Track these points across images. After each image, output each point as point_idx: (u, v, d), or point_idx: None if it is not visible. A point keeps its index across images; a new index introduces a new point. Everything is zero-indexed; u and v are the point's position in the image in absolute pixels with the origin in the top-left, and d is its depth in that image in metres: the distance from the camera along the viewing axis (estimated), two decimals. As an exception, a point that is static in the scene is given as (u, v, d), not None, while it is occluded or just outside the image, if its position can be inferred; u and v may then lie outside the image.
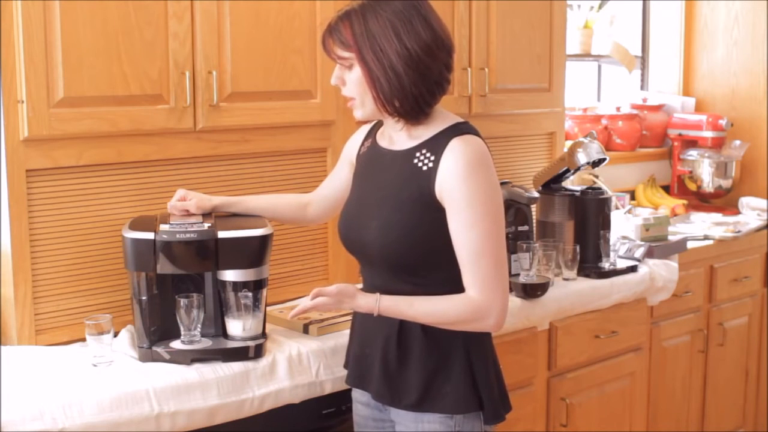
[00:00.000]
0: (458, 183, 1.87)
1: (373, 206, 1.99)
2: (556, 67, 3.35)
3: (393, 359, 1.98)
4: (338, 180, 2.25)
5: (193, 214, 2.20)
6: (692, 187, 4.34)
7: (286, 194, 2.47)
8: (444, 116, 1.99)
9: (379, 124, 2.11)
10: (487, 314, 1.89)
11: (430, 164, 1.92)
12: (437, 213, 1.91)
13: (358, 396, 2.14)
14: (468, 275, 1.89)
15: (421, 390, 1.95)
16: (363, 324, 2.07)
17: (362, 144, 2.15)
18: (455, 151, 1.89)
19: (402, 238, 1.92)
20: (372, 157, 2.08)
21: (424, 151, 1.94)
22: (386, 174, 2.00)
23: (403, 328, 1.97)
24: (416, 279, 1.94)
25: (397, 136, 2.01)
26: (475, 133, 1.96)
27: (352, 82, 1.95)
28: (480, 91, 3.06)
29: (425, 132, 1.97)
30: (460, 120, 1.99)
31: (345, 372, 2.17)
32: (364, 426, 2.13)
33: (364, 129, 2.19)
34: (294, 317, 2.01)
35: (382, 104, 1.93)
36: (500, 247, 1.91)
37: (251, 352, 2.15)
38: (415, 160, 1.95)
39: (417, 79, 1.90)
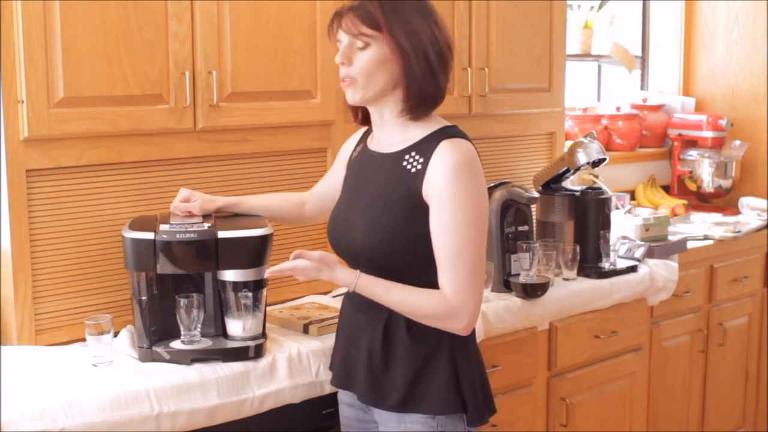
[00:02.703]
0: (444, 183, 1.88)
1: (361, 208, 1.99)
2: (556, 67, 3.35)
3: (378, 360, 1.98)
4: (334, 181, 2.26)
5: (195, 215, 2.20)
6: (692, 187, 4.34)
7: (284, 193, 2.47)
8: (433, 119, 2.00)
9: (370, 130, 2.12)
10: (457, 315, 1.89)
11: (419, 166, 1.92)
12: (424, 215, 1.91)
13: (343, 397, 2.14)
14: (444, 275, 1.89)
15: (405, 390, 1.95)
16: (348, 325, 2.08)
17: (354, 149, 2.16)
18: (444, 154, 1.90)
19: (388, 239, 1.92)
20: (362, 161, 2.08)
21: (413, 153, 1.95)
22: (375, 176, 2.00)
23: (388, 328, 1.97)
24: (402, 281, 1.93)
25: (387, 139, 2.02)
26: (465, 136, 1.96)
27: (363, 61, 1.92)
28: (480, 91, 3.06)
29: (415, 134, 1.97)
30: (449, 124, 2.00)
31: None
32: (349, 426, 2.14)
33: (357, 135, 2.20)
34: (270, 276, 1.99)
35: (407, 87, 1.93)
36: (479, 252, 1.91)
37: (251, 352, 2.15)
38: (404, 162, 1.95)
39: (440, 70, 1.94)
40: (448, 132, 1.96)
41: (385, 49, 1.91)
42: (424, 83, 1.92)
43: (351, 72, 1.94)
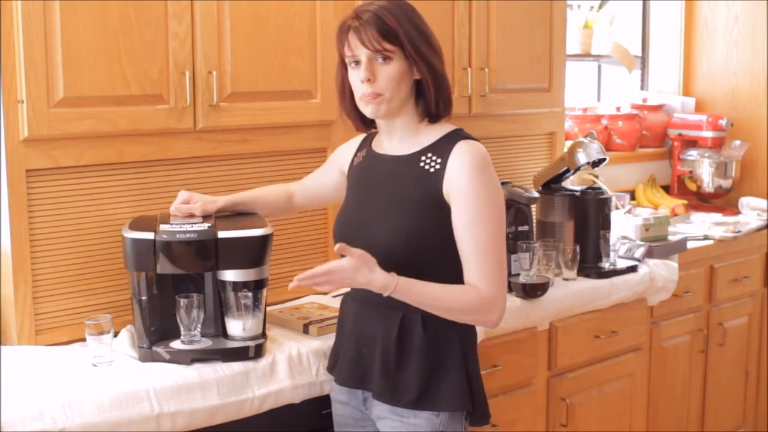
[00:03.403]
0: (467, 182, 1.92)
1: (378, 210, 2.00)
2: (556, 67, 3.35)
3: (392, 358, 1.99)
4: (326, 181, 2.30)
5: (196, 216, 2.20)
6: (692, 187, 4.34)
7: (273, 186, 2.44)
8: (441, 124, 2.04)
9: (371, 136, 2.14)
10: (492, 308, 1.93)
11: (437, 166, 1.96)
12: (444, 214, 1.94)
13: (338, 395, 2.15)
14: (474, 270, 1.92)
15: (420, 388, 1.97)
16: (358, 324, 2.08)
17: (356, 155, 2.17)
18: (462, 154, 1.94)
19: (411, 238, 1.94)
20: (370, 165, 2.10)
21: (429, 155, 1.98)
22: (390, 178, 2.02)
23: (403, 327, 1.99)
24: (419, 278, 1.94)
25: (396, 144, 2.05)
26: (475, 139, 2.01)
27: (387, 75, 1.94)
28: (480, 91, 3.06)
29: (426, 138, 2.01)
30: (456, 127, 2.04)
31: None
32: (344, 426, 2.15)
33: (357, 140, 2.22)
34: (299, 284, 1.84)
35: (435, 93, 1.97)
36: (503, 246, 1.96)
37: (251, 352, 2.15)
38: (421, 164, 1.98)
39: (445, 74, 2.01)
40: (460, 134, 2.01)
41: (403, 61, 1.94)
42: (446, 85, 1.99)
43: (377, 88, 1.95)
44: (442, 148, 1.97)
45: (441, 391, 1.98)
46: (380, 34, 1.91)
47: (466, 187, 1.91)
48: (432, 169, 1.96)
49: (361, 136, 2.21)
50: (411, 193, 1.97)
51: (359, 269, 1.85)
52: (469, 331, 2.03)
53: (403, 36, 1.92)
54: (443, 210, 1.94)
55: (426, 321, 1.97)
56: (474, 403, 2.01)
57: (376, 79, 1.94)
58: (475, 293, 1.91)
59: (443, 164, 1.95)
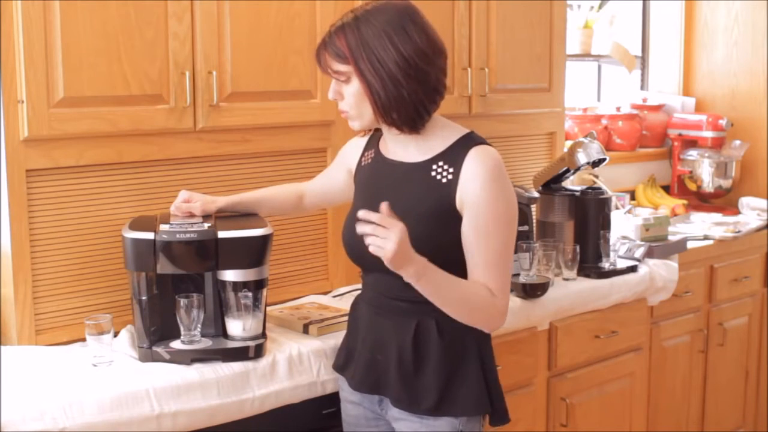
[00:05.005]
0: (481, 191, 1.88)
1: None
2: (556, 67, 3.35)
3: (410, 366, 1.97)
4: (334, 181, 2.28)
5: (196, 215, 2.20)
6: (692, 187, 4.34)
7: (281, 186, 2.44)
8: (451, 127, 2.00)
9: (378, 134, 2.11)
10: (498, 314, 1.92)
11: (450, 176, 1.92)
12: (455, 223, 1.91)
13: (348, 395, 2.14)
14: (485, 278, 1.89)
15: (438, 394, 1.95)
16: (372, 329, 2.06)
17: (363, 155, 2.14)
18: (476, 161, 1.90)
19: (422, 250, 1.85)
20: (379, 169, 2.07)
21: (441, 164, 1.94)
22: (401, 187, 1.98)
23: (419, 333, 1.97)
24: None
25: (406, 149, 2.00)
26: (486, 142, 1.97)
27: (349, 95, 1.94)
28: (480, 91, 3.06)
29: (437, 144, 1.96)
30: (467, 130, 2.00)
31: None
32: (355, 426, 2.14)
33: (362, 140, 2.18)
34: (363, 216, 1.76)
35: (381, 116, 1.92)
36: (512, 254, 1.95)
37: (251, 352, 2.15)
38: (433, 173, 1.94)
39: (416, 87, 1.89)
40: (473, 139, 1.96)
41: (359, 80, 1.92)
42: (398, 107, 1.90)
43: (343, 106, 1.97)
44: (455, 156, 1.93)
45: (460, 396, 1.96)
46: (331, 57, 1.92)
47: (480, 198, 1.88)
48: (444, 180, 1.92)
49: (367, 136, 2.17)
50: (423, 203, 1.93)
51: (399, 243, 1.75)
52: (484, 333, 2.01)
53: (350, 58, 1.89)
54: (455, 220, 1.91)
55: (441, 327, 1.95)
56: (493, 404, 2.00)
57: (343, 97, 1.96)
58: (491, 296, 1.89)
59: (456, 174, 1.91)
